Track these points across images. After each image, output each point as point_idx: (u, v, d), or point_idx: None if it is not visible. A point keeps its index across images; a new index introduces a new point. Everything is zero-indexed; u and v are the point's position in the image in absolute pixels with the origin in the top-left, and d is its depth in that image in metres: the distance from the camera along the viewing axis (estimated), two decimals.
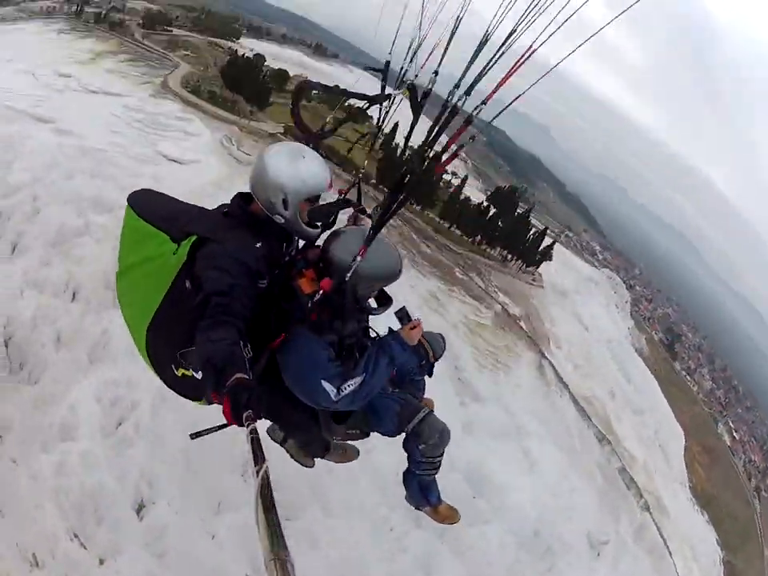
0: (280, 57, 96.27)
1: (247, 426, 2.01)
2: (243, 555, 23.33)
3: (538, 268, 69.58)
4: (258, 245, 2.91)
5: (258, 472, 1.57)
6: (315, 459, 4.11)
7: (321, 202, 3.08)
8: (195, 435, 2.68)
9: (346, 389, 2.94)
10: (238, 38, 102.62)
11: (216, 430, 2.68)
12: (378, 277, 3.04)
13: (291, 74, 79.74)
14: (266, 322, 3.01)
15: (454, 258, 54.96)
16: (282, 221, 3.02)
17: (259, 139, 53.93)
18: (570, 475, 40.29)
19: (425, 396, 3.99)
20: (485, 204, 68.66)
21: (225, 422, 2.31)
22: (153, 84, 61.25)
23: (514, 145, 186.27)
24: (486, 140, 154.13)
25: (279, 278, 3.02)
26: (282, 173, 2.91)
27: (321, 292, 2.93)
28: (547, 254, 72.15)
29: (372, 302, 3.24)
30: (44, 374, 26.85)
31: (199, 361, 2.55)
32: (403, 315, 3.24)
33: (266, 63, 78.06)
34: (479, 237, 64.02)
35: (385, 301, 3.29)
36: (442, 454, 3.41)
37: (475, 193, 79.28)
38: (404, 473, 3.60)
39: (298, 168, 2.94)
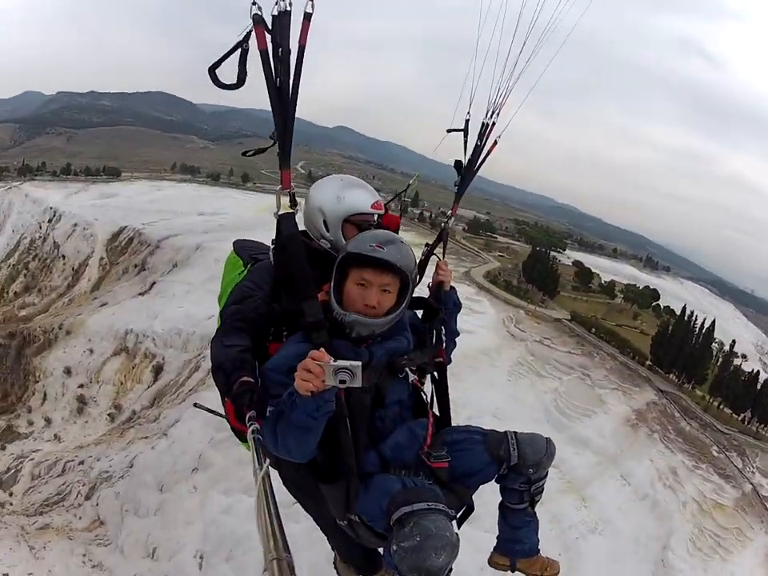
0: (607, 269, 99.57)
1: (249, 426, 2.16)
2: None
3: None
4: None
5: (258, 472, 1.67)
6: None
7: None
8: (198, 405, 2.99)
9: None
10: (564, 249, 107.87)
11: (217, 415, 2.89)
12: (345, 249, 2.76)
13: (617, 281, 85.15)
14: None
15: (716, 437, 49.39)
16: (328, 245, 3.07)
17: (541, 322, 57.03)
18: None
19: (543, 555, 3.17)
20: (755, 371, 59.92)
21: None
22: (456, 272, 69.07)
23: None
24: None
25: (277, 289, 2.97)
26: (321, 195, 3.06)
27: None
28: None
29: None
30: None
31: (212, 366, 2.68)
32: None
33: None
34: (749, 413, 55.90)
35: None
36: None
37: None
38: None
39: (335, 189, 3.07)
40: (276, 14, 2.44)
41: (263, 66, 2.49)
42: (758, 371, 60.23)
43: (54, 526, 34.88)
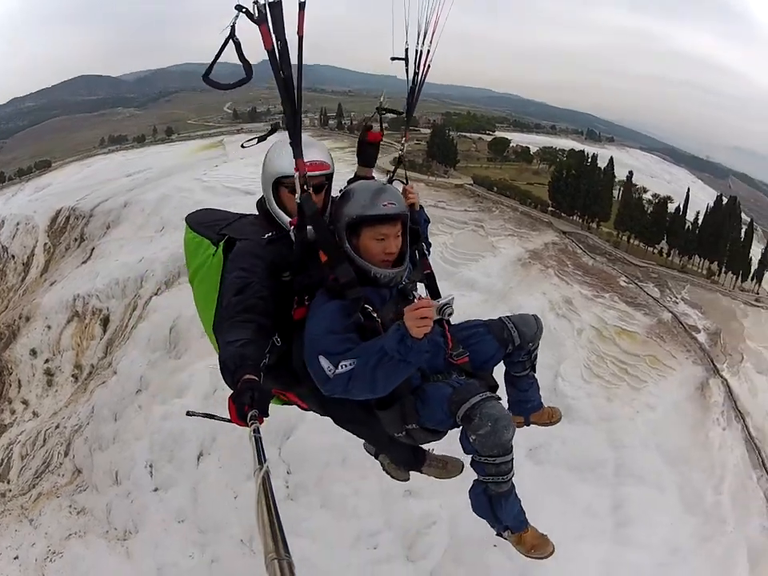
0: (540, 144, 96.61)
1: (250, 426, 2.18)
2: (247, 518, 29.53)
3: (759, 283, 53.00)
4: (269, 234, 3.09)
5: (258, 472, 1.66)
6: (410, 473, 4.01)
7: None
8: (190, 414, 3.13)
9: (341, 367, 2.72)
10: (493, 131, 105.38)
11: (213, 418, 2.99)
12: (350, 211, 2.97)
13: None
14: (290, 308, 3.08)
15: (627, 269, 48.25)
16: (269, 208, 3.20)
17: (440, 189, 59.08)
18: (689, 553, 29.72)
19: (546, 405, 3.88)
20: (662, 198, 58.25)
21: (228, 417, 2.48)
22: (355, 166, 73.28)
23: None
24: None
25: (303, 263, 3.03)
26: (265, 160, 3.18)
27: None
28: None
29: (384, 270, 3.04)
30: (186, 353, 36.89)
31: (219, 365, 2.74)
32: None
33: (511, 144, 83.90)
34: (666, 245, 53.50)
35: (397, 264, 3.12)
36: (504, 454, 2.91)
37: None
38: (473, 482, 3.15)
39: (273, 151, 3.16)
40: (264, 3, 2.50)
41: (271, 63, 2.60)
42: (666, 197, 59.51)
43: (44, 492, 38.83)
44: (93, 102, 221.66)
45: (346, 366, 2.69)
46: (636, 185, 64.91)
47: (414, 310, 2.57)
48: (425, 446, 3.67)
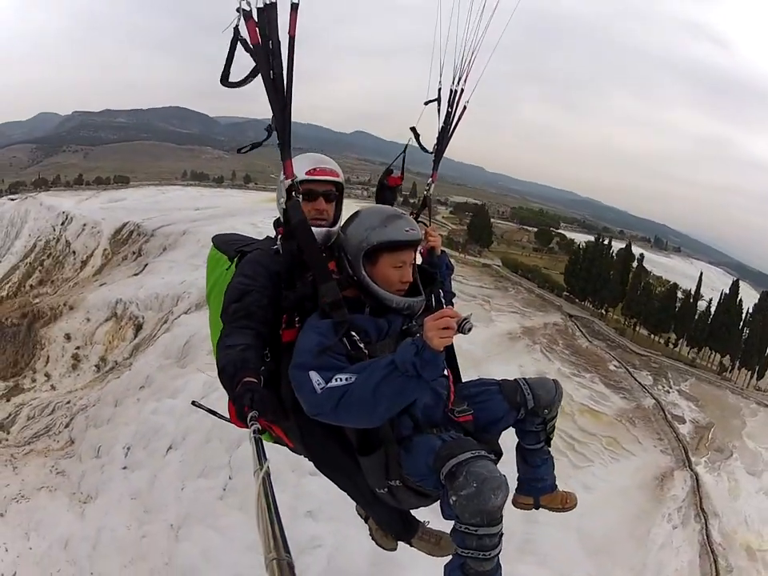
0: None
1: (251, 426, 2.20)
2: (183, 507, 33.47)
3: None
4: (276, 245, 3.07)
5: (259, 472, 1.66)
6: (399, 543, 3.63)
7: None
8: (196, 404, 3.06)
9: (335, 381, 2.55)
10: (557, 228, 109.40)
11: (216, 415, 2.96)
12: (370, 236, 2.82)
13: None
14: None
15: (624, 356, 48.15)
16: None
17: (466, 266, 62.21)
18: None
19: (560, 489, 3.48)
20: (671, 283, 58.62)
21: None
22: None
23: None
24: None
25: (291, 277, 2.95)
26: (281, 173, 3.07)
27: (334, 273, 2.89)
28: None
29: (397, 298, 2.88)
30: (191, 364, 41.75)
31: (217, 369, 2.74)
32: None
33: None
34: (674, 335, 53.00)
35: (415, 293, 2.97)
36: (489, 524, 2.47)
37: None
38: (452, 555, 2.70)
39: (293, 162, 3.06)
40: (262, 6, 2.52)
41: (257, 61, 2.62)
42: (675, 284, 59.26)
43: (36, 450, 43.53)
44: (183, 136, 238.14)
45: (340, 380, 2.55)
46: (648, 270, 65.89)
47: (437, 319, 2.43)
48: (420, 518, 3.51)
